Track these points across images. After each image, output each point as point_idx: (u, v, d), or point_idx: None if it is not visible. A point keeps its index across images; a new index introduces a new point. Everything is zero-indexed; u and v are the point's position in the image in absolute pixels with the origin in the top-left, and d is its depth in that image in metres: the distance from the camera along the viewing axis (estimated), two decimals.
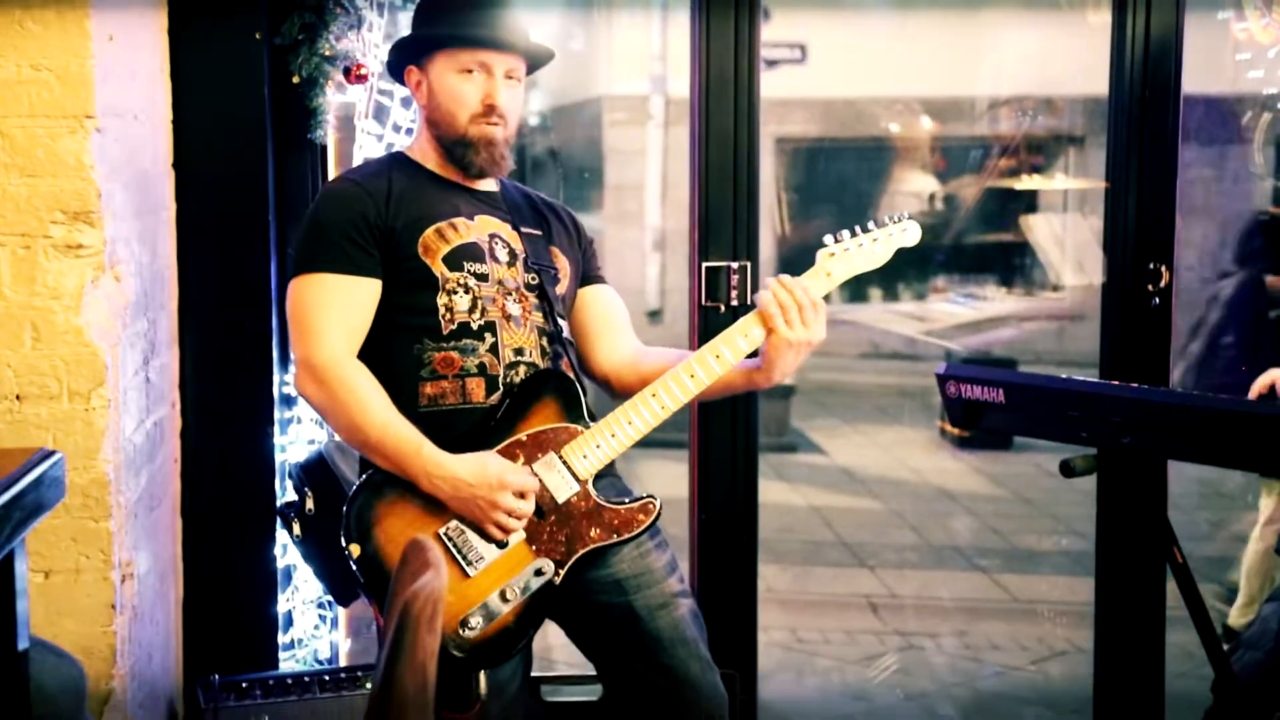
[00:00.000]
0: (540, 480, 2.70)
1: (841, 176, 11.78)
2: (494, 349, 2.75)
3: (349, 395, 2.67)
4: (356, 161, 3.78)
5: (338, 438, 3.88)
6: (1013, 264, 11.38)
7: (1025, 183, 11.44)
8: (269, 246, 3.77)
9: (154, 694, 3.50)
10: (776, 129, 11.11)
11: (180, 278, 3.72)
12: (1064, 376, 2.88)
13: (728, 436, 3.94)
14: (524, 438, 2.71)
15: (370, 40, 3.77)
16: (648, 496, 2.77)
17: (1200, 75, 4.23)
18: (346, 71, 3.72)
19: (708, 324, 3.84)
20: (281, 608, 3.84)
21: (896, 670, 4.94)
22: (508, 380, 2.75)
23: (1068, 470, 2.76)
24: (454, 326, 2.74)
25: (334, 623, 3.91)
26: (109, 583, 3.15)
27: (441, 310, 2.73)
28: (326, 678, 3.55)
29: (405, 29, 3.75)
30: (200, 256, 3.73)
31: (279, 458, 3.81)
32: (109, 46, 3.16)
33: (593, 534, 2.72)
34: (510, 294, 2.79)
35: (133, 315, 3.30)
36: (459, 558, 2.67)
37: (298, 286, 2.75)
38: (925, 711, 4.55)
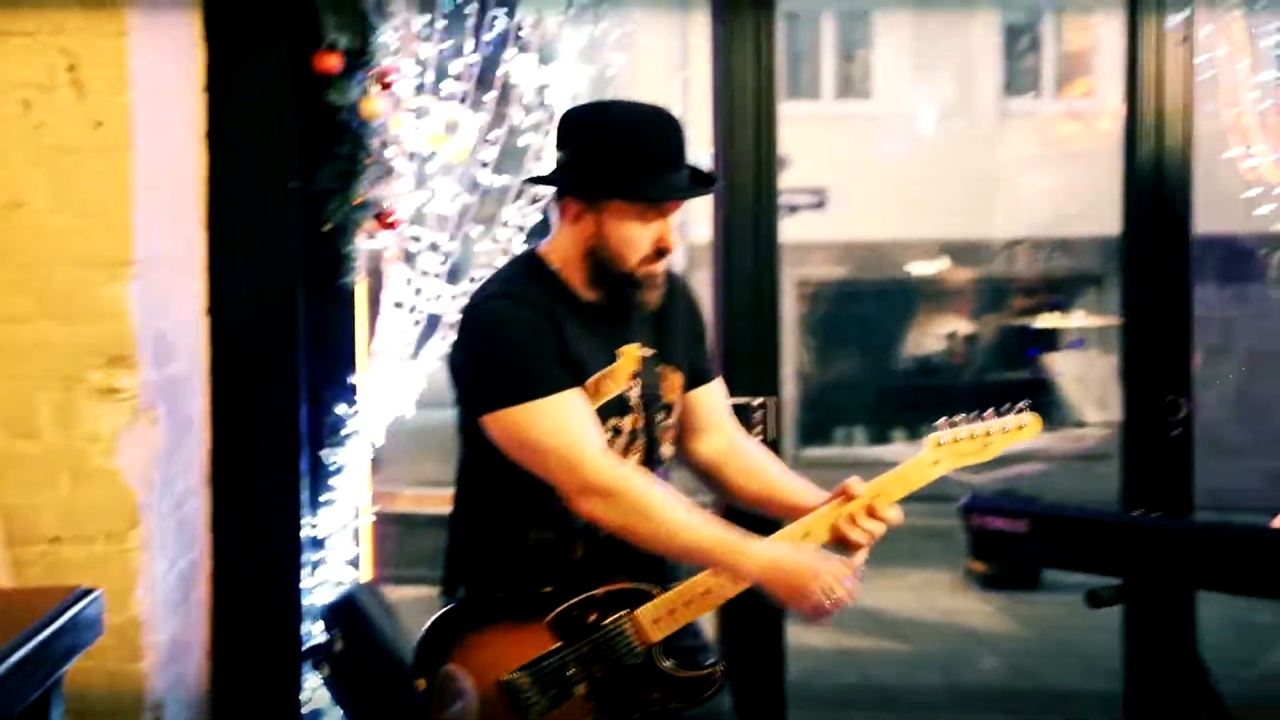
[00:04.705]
0: (609, 640, 2.69)
1: (862, 317, 11.87)
2: None
3: (647, 507, 2.59)
4: (385, 306, 3.86)
5: (365, 579, 3.94)
6: (1035, 401, 11.42)
7: (1044, 320, 11.54)
8: (299, 391, 3.83)
9: None
10: (796, 271, 11.24)
11: (212, 421, 3.78)
12: (1087, 506, 2.89)
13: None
14: (599, 594, 2.69)
15: (400, 188, 3.88)
16: (713, 666, 2.75)
17: (1210, 213, 4.32)
18: (377, 218, 3.81)
19: None
20: None
21: None
22: (606, 537, 2.69)
23: (1095, 600, 2.76)
24: None
25: None
26: None
27: None
28: None
29: (432, 176, 3.87)
30: (232, 401, 3.78)
31: (306, 600, 3.83)
32: (149, 195, 3.26)
33: (653, 696, 2.70)
34: (631, 446, 2.74)
35: (167, 458, 3.35)
36: (517, 705, 2.66)
37: (524, 414, 2.61)
38: None
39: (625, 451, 2.74)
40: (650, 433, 2.79)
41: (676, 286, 2.88)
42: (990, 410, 2.82)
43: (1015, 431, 2.84)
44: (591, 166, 2.67)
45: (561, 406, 2.62)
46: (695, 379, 2.91)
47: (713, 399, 2.96)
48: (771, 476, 2.91)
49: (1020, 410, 2.85)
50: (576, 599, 2.68)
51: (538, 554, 2.72)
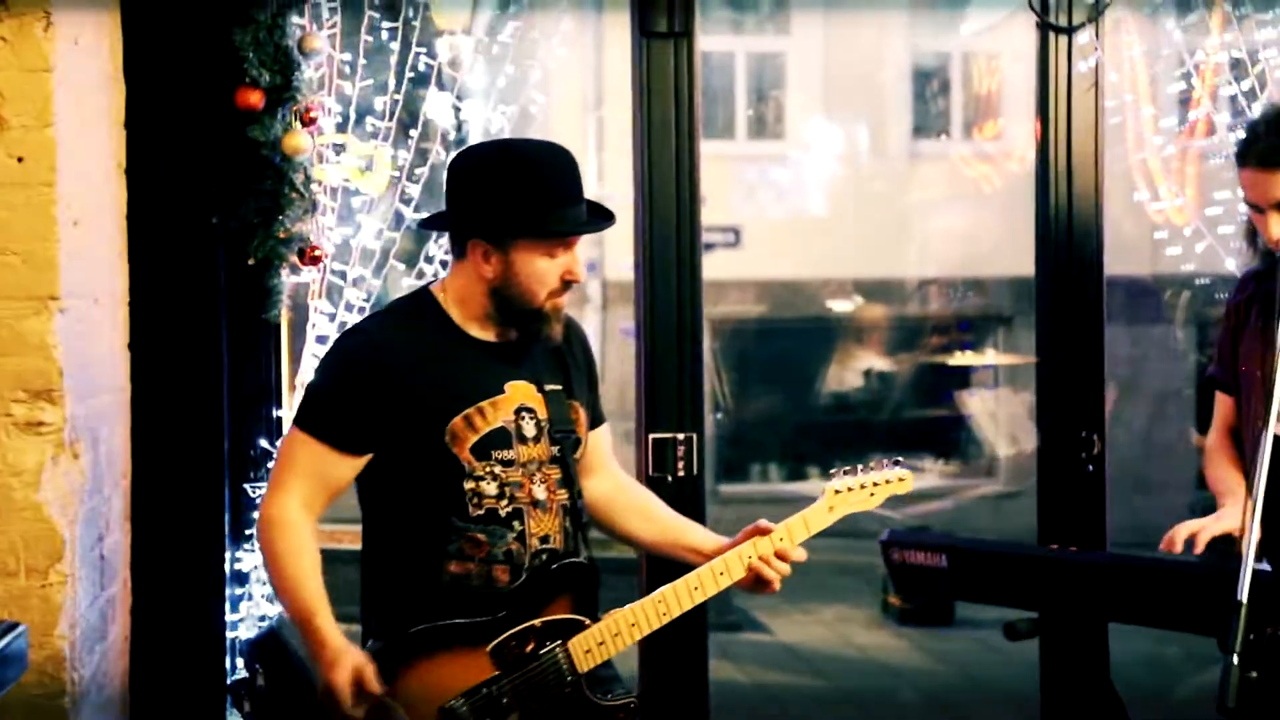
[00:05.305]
0: (543, 669, 2.72)
1: (778, 354, 11.97)
2: (521, 537, 2.75)
3: (284, 557, 2.70)
4: (309, 340, 3.87)
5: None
6: (948, 438, 11.56)
7: (958, 359, 11.71)
8: (222, 425, 3.82)
9: None
10: (712, 309, 11.33)
11: (134, 455, 3.75)
12: (1005, 541, 2.96)
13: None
14: (539, 624, 2.73)
15: (324, 224, 3.88)
16: (630, 697, 2.81)
17: (1121, 255, 4.43)
18: (301, 253, 3.81)
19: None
20: None
21: None
22: (533, 565, 2.76)
23: (1012, 633, 2.83)
24: (481, 511, 2.73)
25: None
26: None
27: (469, 494, 2.72)
28: None
29: (356, 212, 3.89)
30: (154, 434, 3.77)
31: (229, 635, 3.80)
32: (73, 231, 3.24)
33: None
34: (535, 475, 2.78)
35: (89, 492, 3.33)
36: None
37: (289, 433, 2.79)
38: None
39: (531, 480, 2.78)
40: (566, 464, 2.84)
41: (572, 329, 2.97)
42: (878, 460, 3.01)
43: (896, 484, 3.01)
44: (497, 207, 2.72)
45: (307, 447, 2.74)
46: (590, 421, 2.99)
47: (602, 441, 3.06)
48: (665, 519, 3.04)
49: (897, 464, 3.03)
50: (516, 628, 2.72)
51: (459, 587, 2.74)
